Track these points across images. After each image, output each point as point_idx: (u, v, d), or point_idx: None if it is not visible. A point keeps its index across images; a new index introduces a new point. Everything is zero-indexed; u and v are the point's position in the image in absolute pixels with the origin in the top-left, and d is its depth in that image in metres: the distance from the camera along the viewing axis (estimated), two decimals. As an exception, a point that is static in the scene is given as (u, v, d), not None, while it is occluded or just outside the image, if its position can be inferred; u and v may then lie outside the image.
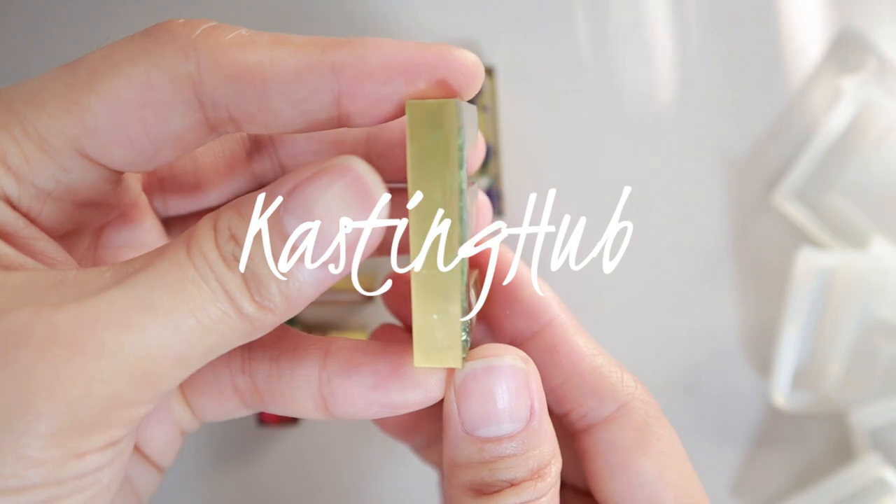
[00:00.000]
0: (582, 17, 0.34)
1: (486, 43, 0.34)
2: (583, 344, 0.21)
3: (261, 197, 0.16)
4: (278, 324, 0.16)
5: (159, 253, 0.16)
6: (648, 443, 0.20)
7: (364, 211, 0.16)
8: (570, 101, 0.34)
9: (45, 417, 0.14)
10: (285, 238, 0.16)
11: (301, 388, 0.19)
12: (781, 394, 0.34)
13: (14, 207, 0.17)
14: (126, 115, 0.16)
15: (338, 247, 0.16)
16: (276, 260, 0.16)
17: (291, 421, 0.34)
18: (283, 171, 0.23)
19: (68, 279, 0.15)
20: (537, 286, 0.21)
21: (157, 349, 0.15)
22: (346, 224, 0.16)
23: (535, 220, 0.35)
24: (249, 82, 0.16)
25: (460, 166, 0.16)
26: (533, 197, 0.34)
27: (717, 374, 0.35)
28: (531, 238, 0.35)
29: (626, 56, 0.34)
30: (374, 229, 0.16)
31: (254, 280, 0.16)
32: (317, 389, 0.19)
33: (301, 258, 0.16)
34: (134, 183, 0.20)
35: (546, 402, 0.19)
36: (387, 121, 0.17)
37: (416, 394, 0.18)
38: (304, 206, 0.16)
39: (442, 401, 0.23)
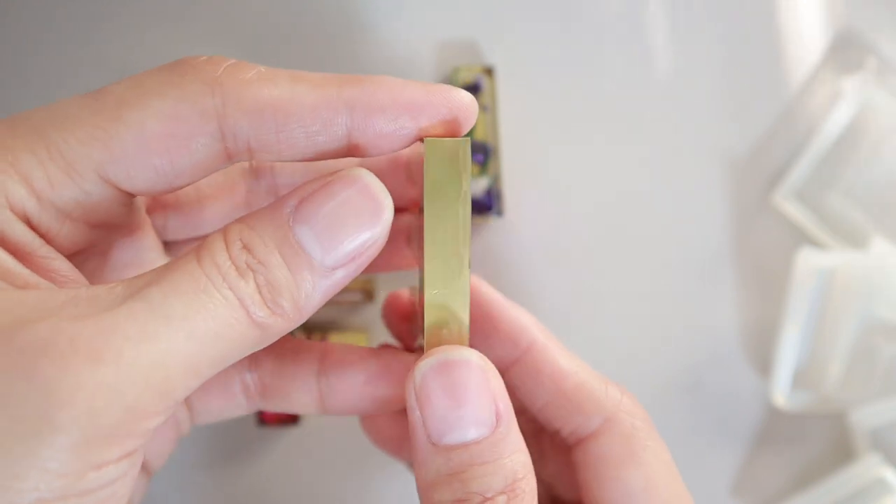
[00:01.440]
0: (582, 17, 0.34)
1: (486, 43, 0.34)
2: (565, 363, 0.21)
3: (271, 207, 0.17)
4: (288, 331, 0.17)
5: (170, 267, 0.16)
6: (635, 455, 0.20)
7: (373, 218, 0.17)
8: (570, 100, 0.34)
9: (67, 429, 0.14)
10: (296, 245, 0.17)
11: (303, 383, 0.20)
12: (781, 394, 0.34)
13: (33, 228, 0.17)
14: (152, 145, 0.17)
15: (346, 253, 0.17)
16: (287, 267, 0.16)
17: (291, 421, 0.34)
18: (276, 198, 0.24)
19: (81, 295, 0.15)
20: (513, 311, 0.22)
21: (173, 358, 0.15)
22: (355, 231, 0.17)
23: (535, 220, 0.35)
24: (271, 116, 0.17)
25: (469, 200, 0.18)
26: (533, 197, 0.34)
27: (717, 374, 0.35)
28: (531, 238, 0.35)
29: (626, 56, 0.34)
30: (380, 235, 0.17)
31: (266, 287, 0.16)
32: (315, 385, 0.20)
33: (311, 265, 0.17)
34: (141, 204, 0.20)
35: (513, 410, 0.19)
36: (392, 152, 0.18)
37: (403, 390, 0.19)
38: (315, 216, 0.17)
39: None
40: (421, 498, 0.18)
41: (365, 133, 0.18)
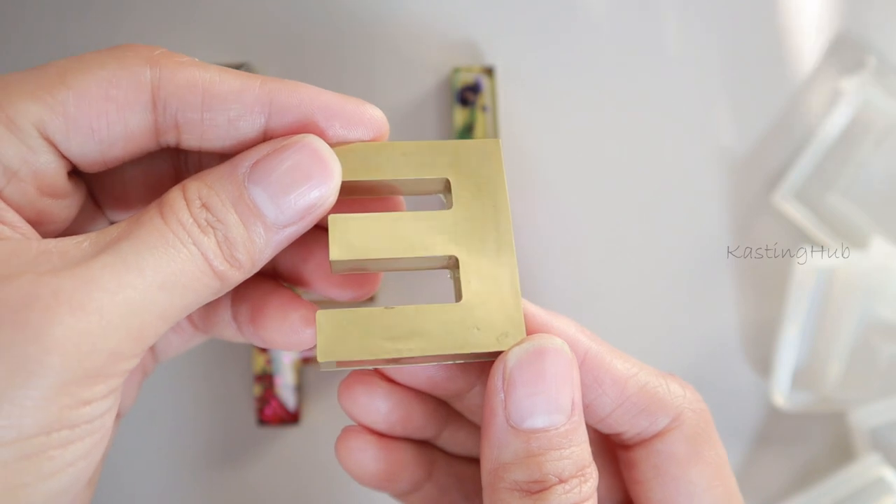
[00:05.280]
0: (582, 18, 0.34)
1: (486, 43, 0.34)
2: (622, 367, 0.21)
3: (227, 167, 0.19)
4: (243, 280, 0.19)
5: (136, 223, 0.18)
6: (700, 454, 0.21)
7: (322, 180, 0.19)
8: (570, 100, 0.34)
9: (57, 370, 0.16)
10: (251, 205, 0.18)
11: (224, 315, 0.23)
12: (781, 394, 0.34)
13: None
14: (91, 106, 0.18)
15: (296, 212, 0.19)
16: (243, 224, 0.18)
17: (291, 421, 0.34)
18: None
19: (50, 249, 0.17)
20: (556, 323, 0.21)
21: (147, 306, 0.17)
22: (305, 192, 0.19)
23: (535, 221, 0.35)
24: (199, 93, 0.19)
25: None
26: (532, 197, 0.34)
27: (717, 374, 0.35)
28: (531, 238, 0.35)
29: (625, 56, 0.34)
30: (329, 196, 0.19)
31: (226, 243, 0.18)
32: (231, 318, 0.23)
33: (265, 223, 0.18)
34: (83, 186, 0.21)
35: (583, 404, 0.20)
36: None
37: (272, 335, 0.22)
38: (268, 177, 0.18)
39: (424, 443, 0.24)
40: (491, 478, 0.19)
41: (281, 126, 0.19)
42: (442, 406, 0.23)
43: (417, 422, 0.22)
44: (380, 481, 0.22)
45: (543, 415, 0.18)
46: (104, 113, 0.18)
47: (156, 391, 0.35)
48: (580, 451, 0.19)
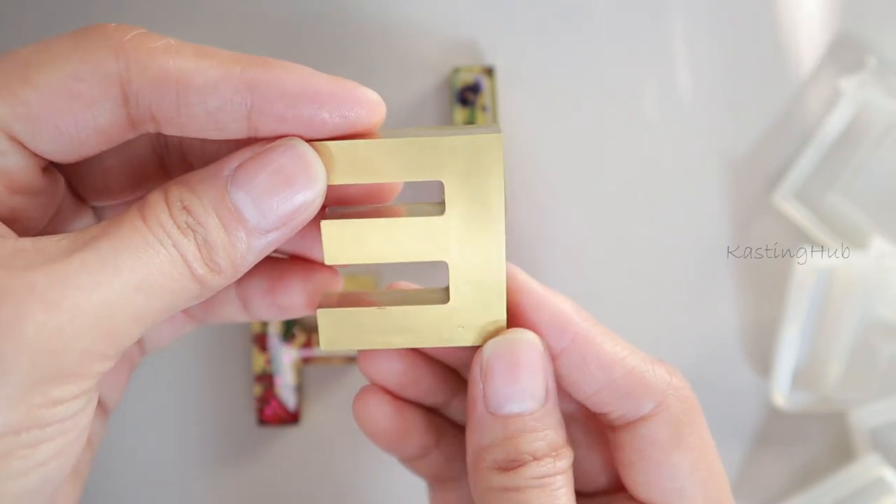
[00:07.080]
0: (582, 18, 0.34)
1: (486, 43, 0.34)
2: (610, 349, 0.21)
3: (210, 170, 0.18)
4: (224, 286, 0.19)
5: (116, 223, 0.17)
6: (683, 439, 0.21)
7: (305, 185, 0.18)
8: (570, 101, 0.34)
9: (26, 368, 0.16)
10: (232, 209, 0.18)
11: (226, 295, 0.23)
12: (781, 394, 0.34)
13: None
14: (56, 105, 0.17)
15: (279, 217, 0.18)
16: (224, 228, 0.18)
17: (291, 421, 0.34)
18: None
19: (27, 247, 0.17)
20: (556, 301, 0.22)
21: (122, 307, 0.17)
22: (289, 197, 0.18)
23: (535, 221, 0.35)
24: (172, 87, 0.18)
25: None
26: (532, 197, 0.34)
27: (717, 374, 0.35)
28: (530, 238, 0.35)
29: (626, 56, 0.34)
30: (313, 201, 0.19)
31: (205, 246, 0.18)
32: (236, 297, 0.23)
33: (246, 228, 0.18)
34: (60, 178, 0.21)
35: (556, 389, 0.21)
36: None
37: (296, 298, 0.22)
38: (251, 181, 0.18)
39: (435, 411, 0.24)
40: (474, 459, 0.20)
41: (264, 116, 0.18)
42: (452, 375, 0.24)
43: (427, 385, 0.23)
44: (390, 440, 0.24)
45: (518, 401, 0.20)
46: (70, 111, 0.17)
47: (156, 391, 0.35)
48: (554, 434, 0.20)
